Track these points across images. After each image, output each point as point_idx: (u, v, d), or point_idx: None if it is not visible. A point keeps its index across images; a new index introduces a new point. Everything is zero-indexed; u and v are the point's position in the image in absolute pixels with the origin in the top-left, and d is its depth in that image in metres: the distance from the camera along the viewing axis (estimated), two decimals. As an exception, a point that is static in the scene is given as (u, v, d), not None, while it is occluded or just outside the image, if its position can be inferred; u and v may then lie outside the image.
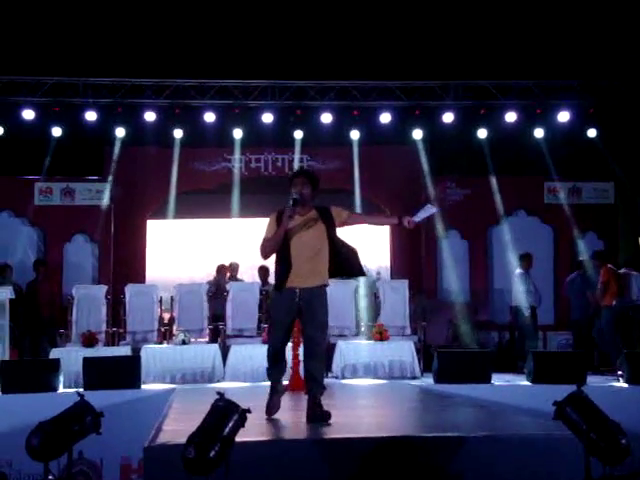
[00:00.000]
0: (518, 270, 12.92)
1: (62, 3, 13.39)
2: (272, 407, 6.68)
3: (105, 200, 14.63)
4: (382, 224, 7.40)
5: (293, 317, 6.63)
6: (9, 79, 13.66)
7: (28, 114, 13.69)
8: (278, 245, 6.55)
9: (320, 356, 6.61)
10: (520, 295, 12.69)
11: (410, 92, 14.20)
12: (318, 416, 6.38)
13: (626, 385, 10.46)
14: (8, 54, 13.40)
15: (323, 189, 15.40)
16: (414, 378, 11.23)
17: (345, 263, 6.73)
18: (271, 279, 12.86)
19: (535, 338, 12.77)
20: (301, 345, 6.95)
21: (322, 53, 13.81)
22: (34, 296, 12.88)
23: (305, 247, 6.54)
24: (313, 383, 6.55)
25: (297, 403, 7.80)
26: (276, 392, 6.77)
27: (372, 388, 10.48)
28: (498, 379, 10.80)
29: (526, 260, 12.93)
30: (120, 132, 14.21)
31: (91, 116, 13.82)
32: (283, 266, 6.57)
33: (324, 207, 6.74)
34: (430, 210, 6.83)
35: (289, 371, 9.30)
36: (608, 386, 10.56)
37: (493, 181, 14.64)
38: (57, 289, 13.77)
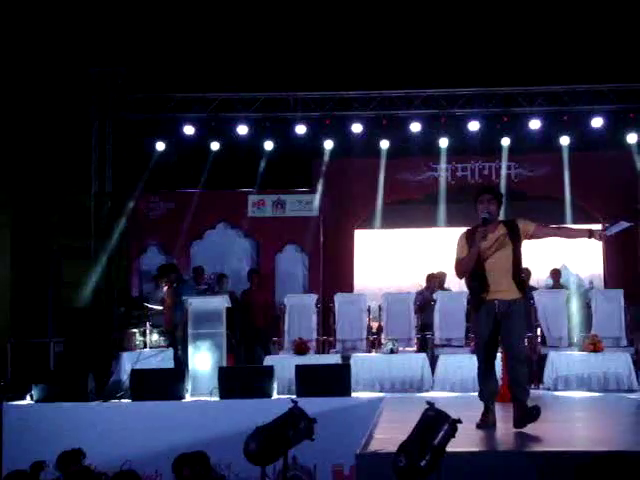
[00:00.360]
0: None
1: (267, 22, 13.87)
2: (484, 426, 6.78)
3: (314, 211, 14.99)
4: (571, 237, 7.26)
5: (494, 330, 6.75)
6: (226, 96, 14.29)
7: (242, 129, 14.27)
8: (472, 265, 6.70)
9: (523, 364, 6.73)
10: None
11: (623, 95, 13.70)
12: (527, 417, 6.56)
13: None
14: (223, 72, 14.03)
15: (531, 196, 15.26)
16: (631, 391, 10.75)
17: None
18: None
19: None
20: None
21: (529, 58, 13.56)
22: (248, 305, 13.34)
23: (498, 265, 6.68)
24: (517, 388, 6.70)
25: (507, 414, 7.67)
26: (489, 411, 6.87)
27: (586, 400, 10.15)
28: None
29: None
30: (328, 144, 14.51)
31: (301, 129, 14.21)
32: (479, 284, 6.74)
33: (511, 221, 6.85)
34: (623, 225, 6.76)
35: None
36: None
37: None
38: (270, 298, 14.20)
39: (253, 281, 13.66)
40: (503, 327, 6.71)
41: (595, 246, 14.85)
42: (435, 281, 13.42)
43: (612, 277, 14.73)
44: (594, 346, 11.18)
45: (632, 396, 10.30)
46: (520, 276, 6.82)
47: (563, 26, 13.49)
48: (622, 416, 8.56)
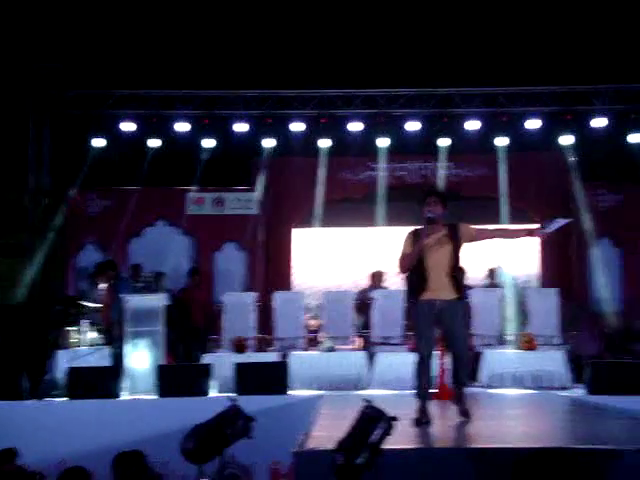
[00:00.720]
0: None
1: (209, 20, 13.81)
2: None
3: (254, 209, 14.99)
4: (511, 237, 7.58)
5: (433, 328, 7.09)
6: (164, 94, 14.20)
7: (182, 127, 14.18)
8: (414, 261, 7.04)
9: (464, 360, 7.21)
10: None
11: (558, 97, 13.94)
12: (464, 412, 7.08)
13: None
14: (163, 69, 13.94)
15: (469, 196, 15.45)
16: (564, 389, 10.95)
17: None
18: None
19: None
20: (446, 355, 7.60)
21: (468, 60, 13.73)
22: (187, 302, 13.28)
23: (438, 264, 7.02)
24: (459, 387, 7.20)
25: (444, 412, 7.76)
26: (425, 408, 7.05)
27: (520, 398, 10.31)
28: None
29: None
30: (268, 143, 14.50)
31: (240, 127, 14.19)
32: (419, 280, 7.06)
33: (454, 224, 7.19)
34: (560, 222, 7.08)
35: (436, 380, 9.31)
36: None
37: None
38: (208, 296, 14.15)
39: (194, 279, 13.60)
40: (445, 327, 7.08)
41: (531, 246, 15.14)
42: (377, 279, 13.50)
43: (547, 276, 14.98)
44: (528, 344, 11.36)
45: (565, 393, 10.50)
46: (457, 277, 7.10)
47: (499, 28, 13.67)
48: (556, 413, 8.71)
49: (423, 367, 7.05)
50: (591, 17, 13.60)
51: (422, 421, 6.87)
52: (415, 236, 7.09)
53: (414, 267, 7.06)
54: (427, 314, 7.00)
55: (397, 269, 7.22)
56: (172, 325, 11.88)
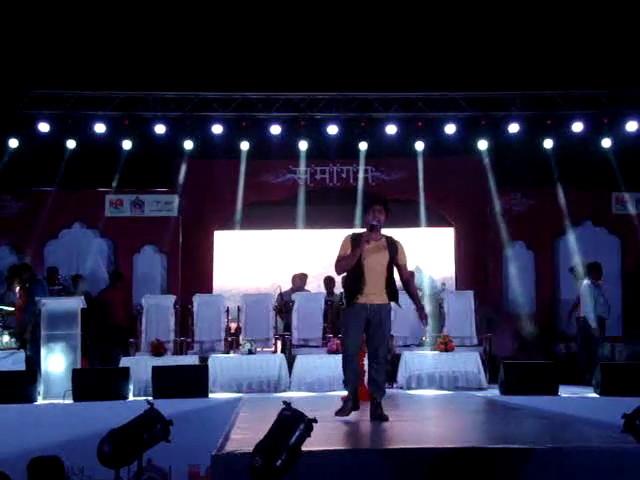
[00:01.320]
0: (586, 280, 12.71)
1: (128, 19, 13.69)
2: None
3: (174, 211, 14.91)
4: (411, 296, 7.65)
5: (362, 330, 7.36)
6: (81, 94, 14.00)
7: (99, 128, 14.00)
8: (353, 264, 7.25)
9: (384, 365, 7.46)
10: (588, 306, 12.50)
11: (475, 103, 14.20)
12: (381, 416, 7.20)
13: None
14: (80, 70, 13.75)
15: (388, 199, 15.59)
16: (480, 389, 11.15)
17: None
18: (336, 290, 13.05)
19: (602, 350, 12.57)
20: (366, 355, 7.59)
21: (386, 65, 13.87)
22: (107, 304, 13.13)
23: (374, 269, 7.27)
24: (376, 389, 7.36)
25: (362, 413, 7.84)
26: (350, 399, 7.47)
27: (437, 399, 10.47)
28: (565, 391, 10.65)
29: (595, 270, 12.71)
30: (188, 145, 14.41)
31: (160, 129, 14.07)
32: (356, 284, 7.29)
33: (396, 241, 7.48)
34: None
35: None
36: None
37: (559, 191, 14.53)
38: (127, 299, 14.01)
39: (116, 282, 13.45)
40: (371, 331, 7.34)
41: (448, 248, 15.39)
42: (298, 282, 13.54)
43: (463, 279, 15.22)
44: (445, 346, 11.55)
45: (480, 394, 10.70)
46: (392, 284, 7.37)
47: (417, 35, 13.84)
48: (471, 413, 8.85)
49: (350, 361, 7.42)
50: (505, 25, 13.88)
51: (344, 411, 7.33)
52: (354, 240, 7.29)
53: (351, 270, 7.29)
54: (359, 316, 7.29)
55: (334, 270, 7.46)
56: (89, 328, 11.77)
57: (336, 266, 7.39)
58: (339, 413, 7.35)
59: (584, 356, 12.58)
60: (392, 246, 7.38)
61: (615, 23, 13.54)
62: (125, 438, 5.11)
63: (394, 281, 7.41)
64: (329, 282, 13.19)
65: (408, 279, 7.62)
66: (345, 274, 7.44)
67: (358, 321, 7.30)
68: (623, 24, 13.49)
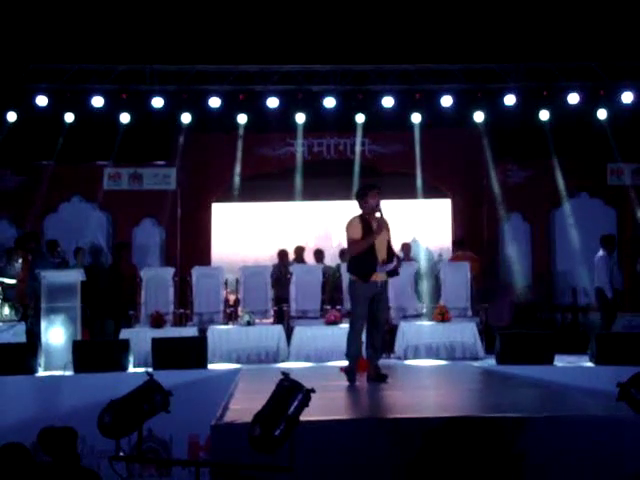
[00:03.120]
0: (601, 252, 12.49)
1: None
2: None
3: (172, 185, 14.96)
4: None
5: (369, 306, 8.15)
6: (79, 67, 13.99)
7: (97, 101, 13.99)
8: (367, 247, 8.03)
9: (383, 332, 8.60)
10: (604, 277, 12.35)
11: (472, 75, 14.20)
12: (378, 377, 8.13)
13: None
14: (78, 43, 13.73)
15: (384, 172, 15.69)
16: (476, 359, 11.24)
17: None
18: (326, 261, 13.21)
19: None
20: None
21: (383, 37, 13.84)
22: (118, 277, 13.11)
23: (381, 249, 8.08)
24: (374, 352, 8.29)
25: (360, 384, 7.96)
26: (353, 368, 8.25)
27: (434, 369, 10.58)
28: (561, 360, 10.74)
29: (610, 242, 12.55)
30: (186, 118, 14.41)
31: (158, 103, 14.06)
32: (372, 264, 8.04)
33: (384, 219, 8.17)
34: (390, 266, 8.18)
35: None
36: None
37: (555, 163, 14.57)
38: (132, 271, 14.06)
39: (122, 254, 13.47)
40: (375, 304, 8.15)
41: (445, 219, 15.47)
42: (286, 257, 13.63)
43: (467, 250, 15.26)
44: (442, 316, 11.64)
45: (477, 364, 10.82)
46: (392, 259, 8.20)
47: (414, 7, 13.81)
48: (468, 383, 8.97)
49: (357, 335, 8.24)
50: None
51: (353, 376, 8.09)
52: (363, 222, 8.06)
53: (365, 252, 8.01)
54: (369, 293, 8.07)
55: (350, 251, 8.26)
56: (92, 301, 11.83)
57: (352, 249, 8.14)
58: (350, 380, 8.08)
59: (605, 326, 12.51)
60: (386, 224, 8.15)
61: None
62: (125, 409, 5.14)
63: (393, 255, 8.23)
64: (319, 254, 13.40)
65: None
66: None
67: (367, 298, 8.07)
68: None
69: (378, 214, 8.12)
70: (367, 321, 8.22)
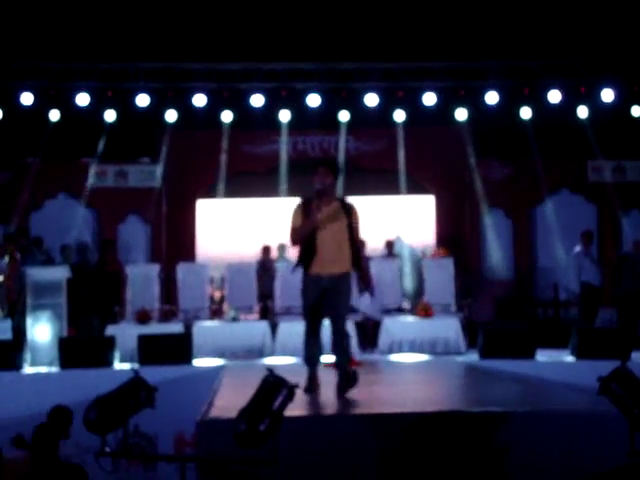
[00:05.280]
0: (577, 247, 12.69)
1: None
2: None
3: (157, 182, 15.00)
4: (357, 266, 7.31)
5: (319, 301, 7.07)
6: (63, 65, 14.00)
7: (82, 99, 13.99)
8: (306, 234, 7.02)
9: (344, 334, 7.16)
10: (587, 273, 12.56)
11: (454, 73, 14.29)
12: (347, 383, 6.95)
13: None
14: (62, 41, 13.74)
15: (368, 169, 15.75)
16: (459, 354, 11.38)
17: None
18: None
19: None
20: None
21: (366, 35, 13.91)
22: (104, 275, 13.13)
23: (330, 238, 6.99)
24: (340, 357, 7.14)
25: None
26: (314, 376, 7.19)
27: (417, 364, 10.68)
28: (543, 354, 10.86)
29: (587, 237, 12.73)
30: (171, 115, 14.42)
31: (142, 100, 14.07)
32: (308, 254, 7.06)
33: (349, 204, 7.19)
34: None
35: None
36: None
37: (536, 160, 14.68)
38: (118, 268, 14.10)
39: (107, 251, 13.48)
40: (328, 299, 7.06)
41: (428, 215, 15.57)
42: (269, 252, 13.70)
43: (443, 246, 15.38)
44: (425, 312, 11.75)
45: (460, 359, 10.94)
46: (354, 249, 7.14)
47: (397, 5, 13.90)
48: (450, 378, 9.07)
49: (311, 336, 7.16)
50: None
51: (311, 389, 7.03)
52: (305, 207, 7.08)
53: (306, 240, 7.06)
54: (315, 287, 7.05)
55: (290, 241, 7.26)
56: (78, 297, 11.84)
57: (290, 238, 7.18)
58: (307, 390, 7.04)
59: (584, 320, 12.59)
60: (345, 209, 7.12)
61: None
62: (111, 405, 5.17)
63: (356, 247, 7.18)
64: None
65: (358, 247, 7.33)
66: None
67: (314, 292, 7.05)
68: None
69: (335, 202, 7.11)
70: (322, 320, 7.20)
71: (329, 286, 7.02)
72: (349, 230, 7.08)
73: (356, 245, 7.18)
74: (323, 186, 6.99)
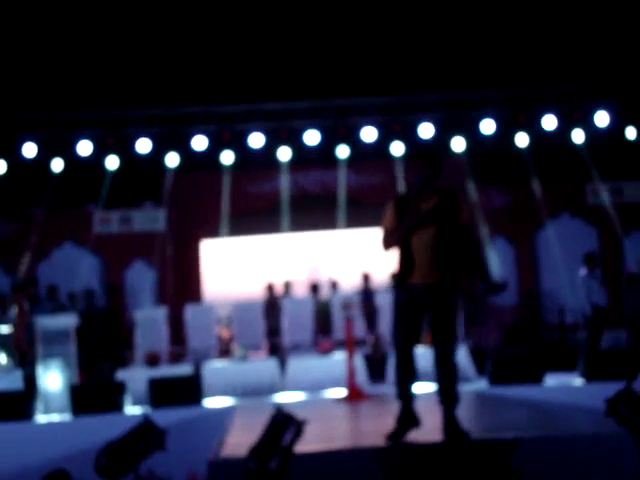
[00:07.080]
0: (582, 270, 12.50)
1: (106, 37, 13.86)
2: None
3: (161, 225, 15.11)
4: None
5: (416, 317, 5.96)
6: (64, 115, 14.14)
7: (84, 147, 14.08)
8: (401, 238, 5.91)
9: (450, 364, 5.99)
10: (596, 295, 12.40)
11: (450, 104, 14.39)
12: (457, 432, 5.84)
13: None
14: (62, 91, 13.91)
15: (368, 203, 15.76)
16: (468, 382, 11.34)
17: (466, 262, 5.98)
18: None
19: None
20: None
21: (360, 70, 14.07)
22: (114, 321, 13.23)
23: (426, 241, 5.86)
24: (439, 389, 6.05)
25: (355, 412, 8.01)
26: (409, 411, 6.16)
27: (426, 395, 10.64)
28: (551, 378, 10.85)
29: (591, 260, 12.53)
30: (172, 159, 14.48)
31: (144, 146, 14.16)
32: (403, 263, 5.96)
33: (452, 193, 6.04)
34: None
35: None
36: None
37: (535, 185, 14.75)
38: (125, 312, 14.24)
39: (114, 297, 13.60)
40: (429, 316, 5.93)
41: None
42: (273, 290, 13.76)
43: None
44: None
45: (469, 386, 10.89)
46: (449, 257, 5.87)
47: (390, 39, 14.05)
48: (461, 406, 9.02)
49: (398, 362, 6.10)
50: (478, 24, 14.11)
51: (404, 428, 5.99)
52: (398, 206, 5.95)
53: (400, 246, 5.94)
54: (408, 301, 5.90)
55: (381, 246, 6.04)
56: (90, 344, 11.92)
57: (383, 242, 5.97)
58: (392, 437, 5.89)
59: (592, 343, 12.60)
60: (450, 202, 5.93)
61: (583, 19, 13.79)
62: (121, 450, 5.22)
63: (448, 253, 5.86)
64: (314, 288, 13.67)
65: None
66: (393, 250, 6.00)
67: (407, 307, 5.89)
68: (590, 20, 13.74)
69: (434, 197, 5.90)
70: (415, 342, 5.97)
71: (428, 301, 5.86)
72: (441, 233, 5.85)
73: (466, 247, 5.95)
74: (417, 181, 5.95)
